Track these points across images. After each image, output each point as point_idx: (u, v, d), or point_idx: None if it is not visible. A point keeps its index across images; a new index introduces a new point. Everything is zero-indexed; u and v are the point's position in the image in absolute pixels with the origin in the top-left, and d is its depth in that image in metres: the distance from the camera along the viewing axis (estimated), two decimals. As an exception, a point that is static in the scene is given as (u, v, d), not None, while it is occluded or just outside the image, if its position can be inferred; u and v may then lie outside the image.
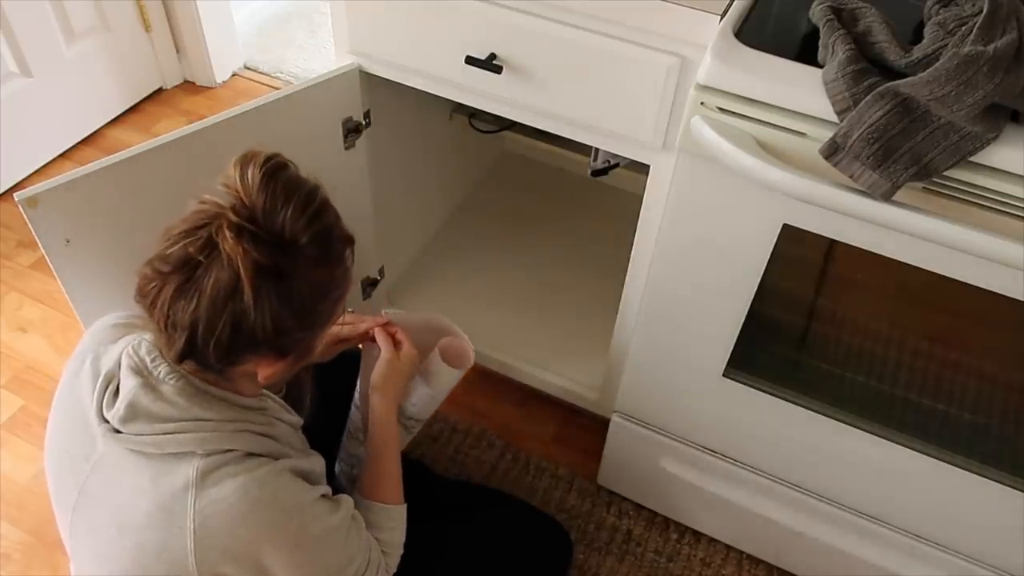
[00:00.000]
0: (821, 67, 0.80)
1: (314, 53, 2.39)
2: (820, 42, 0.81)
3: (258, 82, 2.29)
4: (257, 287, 0.73)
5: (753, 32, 0.86)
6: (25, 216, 0.98)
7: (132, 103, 2.17)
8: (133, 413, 0.78)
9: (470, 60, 1.05)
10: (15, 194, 0.98)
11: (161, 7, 2.08)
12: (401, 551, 0.98)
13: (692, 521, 1.38)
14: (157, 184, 1.09)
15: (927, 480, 1.05)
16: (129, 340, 0.84)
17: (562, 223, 1.74)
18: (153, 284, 0.76)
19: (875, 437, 1.04)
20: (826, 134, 0.78)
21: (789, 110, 0.82)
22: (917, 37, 0.79)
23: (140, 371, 0.80)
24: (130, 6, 2.04)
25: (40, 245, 1.02)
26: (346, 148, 1.25)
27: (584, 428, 1.52)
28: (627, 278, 1.18)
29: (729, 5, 0.90)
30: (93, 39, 1.99)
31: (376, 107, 1.26)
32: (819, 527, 1.22)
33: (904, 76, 0.76)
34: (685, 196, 0.95)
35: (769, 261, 0.94)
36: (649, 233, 1.10)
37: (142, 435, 0.78)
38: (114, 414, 0.78)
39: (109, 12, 1.99)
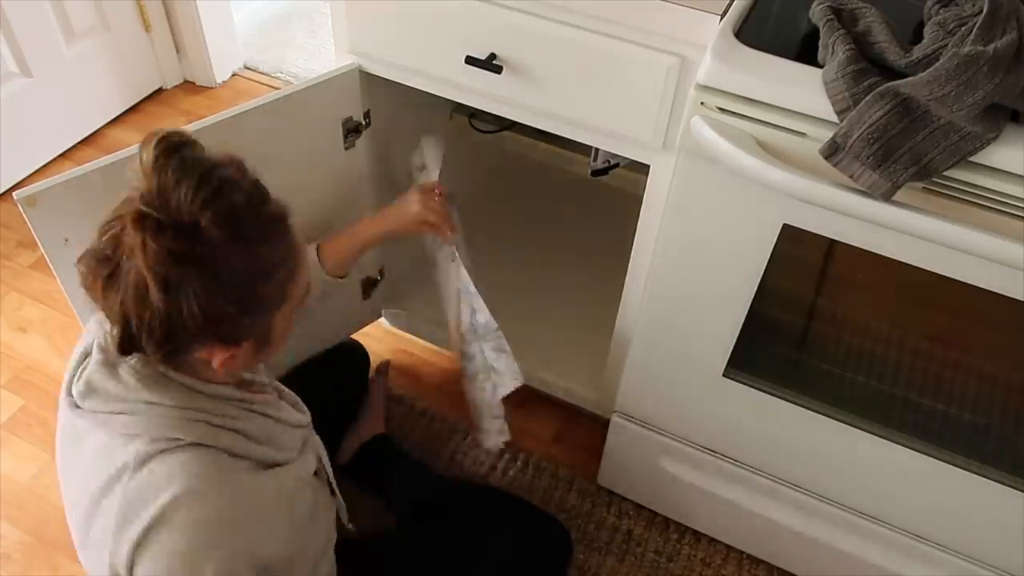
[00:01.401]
0: (821, 67, 0.80)
1: (314, 53, 2.39)
2: (820, 42, 0.81)
3: (258, 82, 2.29)
4: (167, 279, 0.69)
5: (753, 32, 0.85)
6: (24, 215, 0.98)
7: (132, 103, 2.17)
8: (89, 389, 0.78)
9: (470, 60, 1.05)
10: (14, 193, 0.98)
11: (161, 7, 2.08)
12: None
13: (692, 521, 1.38)
14: (157, 184, 1.09)
15: (927, 480, 1.05)
16: None
17: (562, 223, 1.74)
18: (87, 278, 0.74)
19: (875, 437, 1.04)
20: (826, 134, 0.78)
21: (789, 110, 0.82)
22: (917, 37, 0.79)
23: (104, 349, 0.79)
24: (130, 6, 2.04)
25: (40, 245, 1.02)
26: (346, 148, 1.25)
27: (584, 428, 1.52)
28: (627, 278, 1.18)
29: (729, 5, 0.89)
30: (93, 39, 1.99)
31: (376, 107, 1.26)
32: (819, 527, 1.22)
33: (904, 76, 0.76)
34: (685, 196, 0.95)
35: (769, 261, 0.94)
36: (649, 233, 1.10)
37: (96, 412, 0.78)
38: (75, 389, 0.79)
39: (109, 12, 1.99)
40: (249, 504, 0.80)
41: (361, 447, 1.36)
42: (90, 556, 0.82)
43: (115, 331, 0.73)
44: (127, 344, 0.74)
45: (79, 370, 0.81)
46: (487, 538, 1.16)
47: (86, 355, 0.82)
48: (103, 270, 0.71)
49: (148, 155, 0.70)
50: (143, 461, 0.75)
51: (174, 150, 0.71)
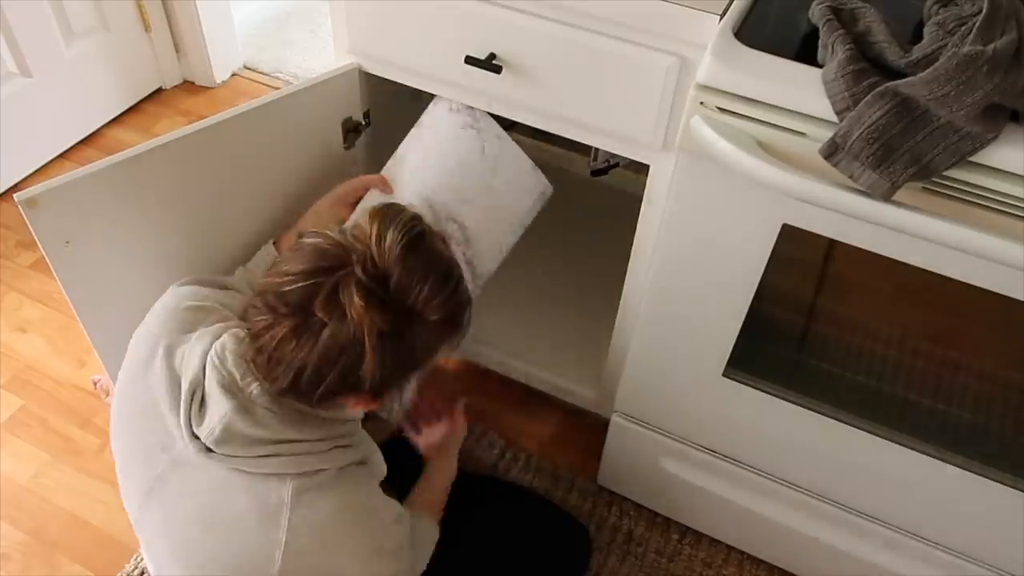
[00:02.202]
0: (821, 67, 0.80)
1: (314, 53, 2.39)
2: (820, 42, 0.81)
3: (258, 82, 2.29)
4: (377, 349, 0.73)
5: (753, 32, 0.85)
6: (25, 216, 0.98)
7: (132, 103, 2.17)
8: (228, 436, 0.78)
9: (470, 60, 1.05)
10: (15, 194, 0.98)
11: (161, 7, 2.08)
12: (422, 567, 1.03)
13: (693, 521, 1.38)
14: (157, 184, 1.09)
15: (927, 480, 1.05)
16: (207, 340, 0.83)
17: (562, 223, 1.74)
18: (263, 318, 0.75)
19: (875, 437, 1.04)
20: (826, 134, 0.78)
21: (789, 110, 0.82)
22: (917, 37, 0.79)
23: (231, 389, 0.79)
24: (130, 6, 2.04)
25: (40, 245, 1.02)
26: (346, 148, 1.25)
27: (584, 428, 1.52)
28: (627, 278, 1.18)
29: (729, 5, 0.89)
30: (93, 39, 1.99)
31: (376, 107, 1.26)
32: (819, 527, 1.22)
33: (904, 76, 0.76)
34: (685, 196, 0.95)
35: (769, 261, 0.94)
36: (649, 233, 1.10)
37: (236, 456, 0.79)
38: (208, 435, 0.78)
39: (109, 12, 1.99)
40: (385, 503, 0.90)
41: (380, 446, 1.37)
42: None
43: (282, 376, 0.75)
44: (289, 390, 0.76)
45: (192, 407, 0.80)
46: (507, 533, 1.17)
47: (193, 389, 0.81)
48: (291, 320, 0.74)
49: (394, 240, 0.74)
50: (298, 495, 0.79)
51: (419, 239, 0.76)
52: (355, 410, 0.84)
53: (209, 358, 0.81)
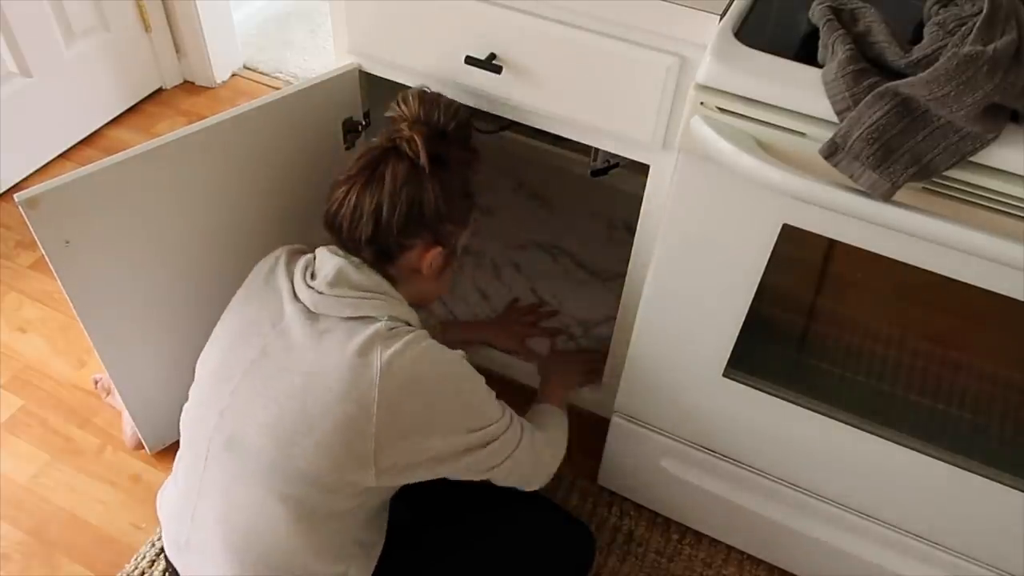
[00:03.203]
0: (821, 67, 0.80)
1: (314, 53, 2.39)
2: (820, 42, 0.81)
3: (258, 82, 2.29)
4: (430, 169, 0.98)
5: (753, 32, 0.86)
6: (25, 217, 0.99)
7: (132, 103, 2.17)
8: (339, 279, 0.97)
9: (470, 60, 1.05)
10: (15, 195, 0.98)
11: (161, 7, 2.08)
12: (555, 458, 1.19)
13: (693, 521, 1.38)
14: (157, 184, 1.09)
15: (927, 480, 1.05)
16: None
17: (562, 223, 1.74)
18: (340, 191, 1.00)
19: (875, 437, 1.04)
20: (826, 134, 0.78)
21: (789, 110, 0.82)
22: (917, 37, 0.79)
23: (339, 255, 1.00)
24: (130, 6, 2.04)
25: (40, 245, 1.02)
26: (346, 148, 1.25)
27: (584, 428, 1.52)
28: (627, 278, 1.18)
29: (729, 5, 0.90)
30: (93, 39, 1.99)
31: (376, 107, 1.26)
32: (819, 527, 1.22)
33: (904, 76, 0.76)
34: (685, 196, 0.95)
35: (769, 261, 0.94)
36: (649, 233, 1.10)
37: (344, 296, 0.96)
38: (322, 280, 0.97)
39: (109, 12, 1.99)
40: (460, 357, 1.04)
41: None
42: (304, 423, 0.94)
43: (366, 223, 0.98)
44: (373, 233, 0.98)
45: (305, 275, 1.00)
46: (509, 534, 1.17)
47: (306, 267, 1.01)
48: (363, 177, 0.99)
49: (414, 100, 1.03)
50: (390, 331, 0.95)
51: (425, 92, 1.05)
52: (428, 264, 1.02)
53: (319, 249, 1.03)
